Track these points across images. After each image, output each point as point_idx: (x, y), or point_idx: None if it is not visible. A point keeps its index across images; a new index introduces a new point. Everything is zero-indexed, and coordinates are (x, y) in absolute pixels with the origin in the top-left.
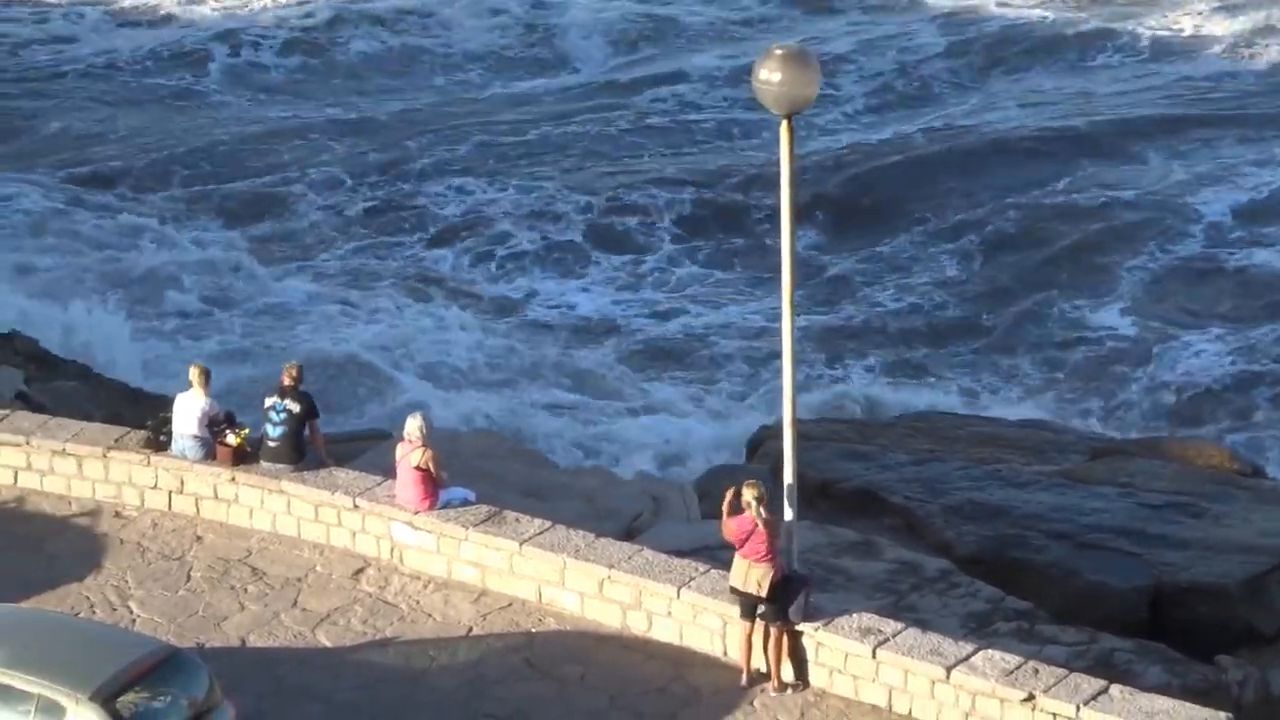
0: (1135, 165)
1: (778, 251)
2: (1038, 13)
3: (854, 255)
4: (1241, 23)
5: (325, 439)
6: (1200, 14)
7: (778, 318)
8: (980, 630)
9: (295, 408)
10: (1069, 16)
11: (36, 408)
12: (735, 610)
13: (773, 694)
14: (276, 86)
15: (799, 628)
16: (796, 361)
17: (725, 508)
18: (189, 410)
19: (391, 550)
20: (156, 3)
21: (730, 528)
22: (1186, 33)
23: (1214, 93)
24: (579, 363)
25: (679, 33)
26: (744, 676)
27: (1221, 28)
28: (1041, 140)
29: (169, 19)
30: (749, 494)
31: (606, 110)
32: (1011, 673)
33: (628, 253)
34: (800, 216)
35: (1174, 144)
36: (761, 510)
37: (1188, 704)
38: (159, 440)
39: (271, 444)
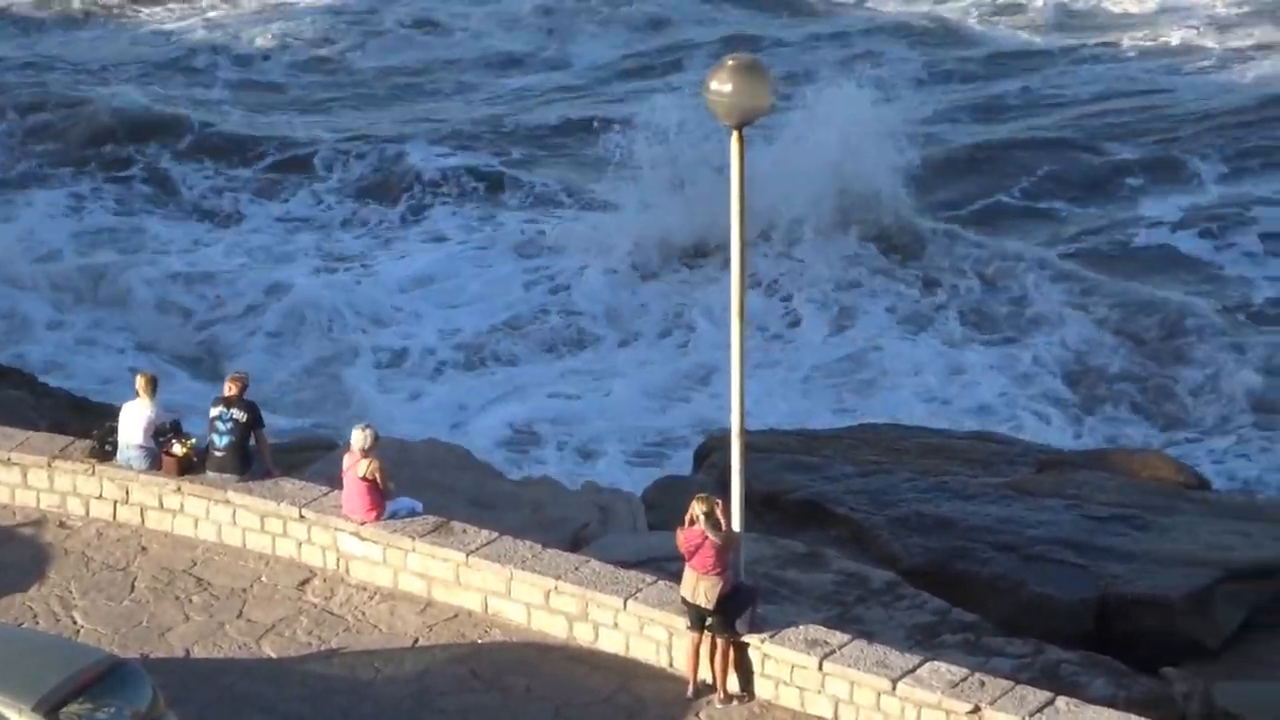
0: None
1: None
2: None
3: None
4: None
5: (271, 448)
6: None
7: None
8: (926, 642)
9: (241, 417)
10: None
11: None
12: (681, 621)
13: (719, 705)
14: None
15: (745, 639)
16: (745, 372)
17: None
18: (135, 420)
19: (338, 561)
20: None
21: (680, 540)
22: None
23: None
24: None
25: None
26: (690, 688)
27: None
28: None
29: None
30: (697, 508)
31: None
32: (957, 685)
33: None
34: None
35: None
36: (711, 524)
37: (1133, 716)
38: (104, 450)
39: (217, 454)
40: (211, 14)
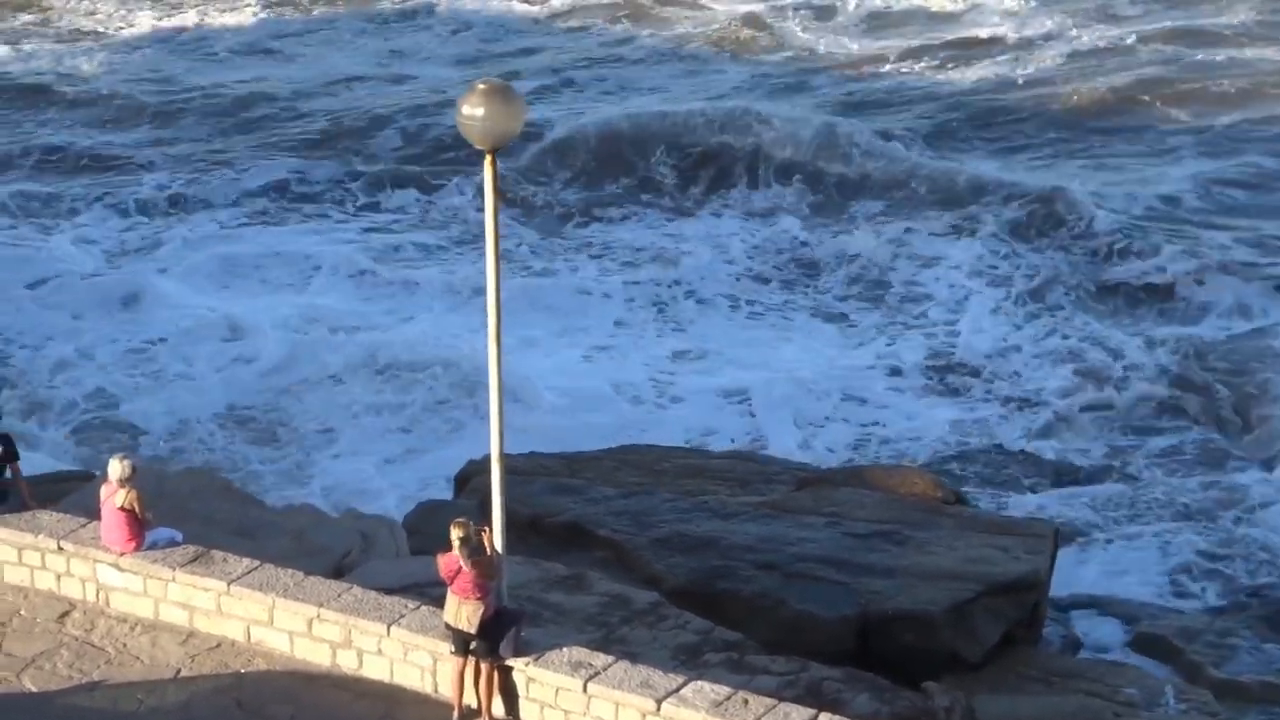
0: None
1: None
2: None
3: None
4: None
5: (28, 481)
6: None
7: None
8: (690, 662)
9: None
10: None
11: None
12: (445, 647)
13: None
14: None
15: (510, 663)
16: (504, 394)
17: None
18: None
19: (98, 592)
20: None
21: (439, 565)
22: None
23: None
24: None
25: None
26: (455, 713)
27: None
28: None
29: None
30: (454, 533)
31: None
32: (721, 703)
33: None
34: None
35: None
36: (468, 549)
37: None
38: None
39: None
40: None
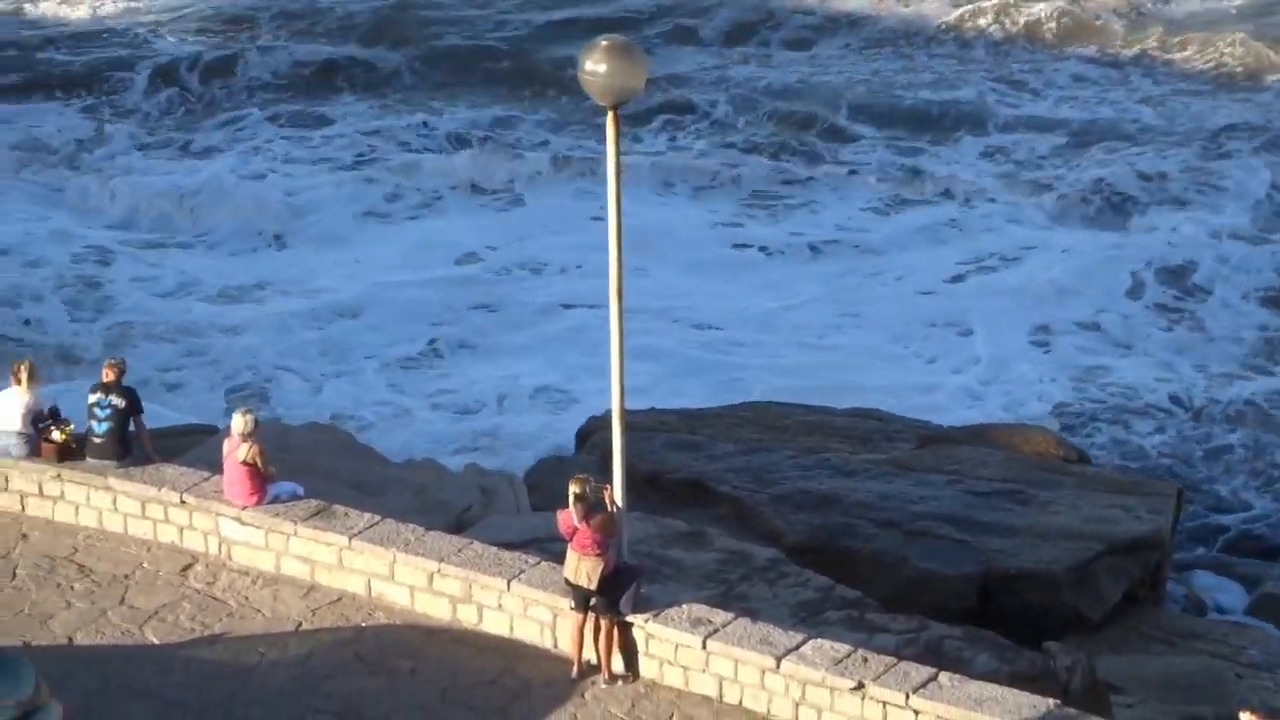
0: None
1: None
2: None
3: None
4: None
5: (151, 434)
6: None
7: None
8: (810, 619)
9: (120, 403)
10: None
11: None
12: (565, 602)
13: (603, 685)
14: None
15: (629, 619)
16: (624, 350)
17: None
18: (11, 407)
19: (220, 546)
20: None
21: (558, 521)
22: None
23: None
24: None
25: None
26: (574, 668)
27: None
28: None
29: None
30: (572, 489)
31: None
32: (841, 661)
33: None
34: None
35: None
36: (585, 505)
37: (1016, 690)
38: None
39: (97, 440)
40: None
